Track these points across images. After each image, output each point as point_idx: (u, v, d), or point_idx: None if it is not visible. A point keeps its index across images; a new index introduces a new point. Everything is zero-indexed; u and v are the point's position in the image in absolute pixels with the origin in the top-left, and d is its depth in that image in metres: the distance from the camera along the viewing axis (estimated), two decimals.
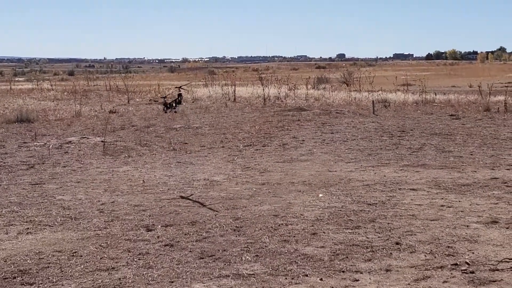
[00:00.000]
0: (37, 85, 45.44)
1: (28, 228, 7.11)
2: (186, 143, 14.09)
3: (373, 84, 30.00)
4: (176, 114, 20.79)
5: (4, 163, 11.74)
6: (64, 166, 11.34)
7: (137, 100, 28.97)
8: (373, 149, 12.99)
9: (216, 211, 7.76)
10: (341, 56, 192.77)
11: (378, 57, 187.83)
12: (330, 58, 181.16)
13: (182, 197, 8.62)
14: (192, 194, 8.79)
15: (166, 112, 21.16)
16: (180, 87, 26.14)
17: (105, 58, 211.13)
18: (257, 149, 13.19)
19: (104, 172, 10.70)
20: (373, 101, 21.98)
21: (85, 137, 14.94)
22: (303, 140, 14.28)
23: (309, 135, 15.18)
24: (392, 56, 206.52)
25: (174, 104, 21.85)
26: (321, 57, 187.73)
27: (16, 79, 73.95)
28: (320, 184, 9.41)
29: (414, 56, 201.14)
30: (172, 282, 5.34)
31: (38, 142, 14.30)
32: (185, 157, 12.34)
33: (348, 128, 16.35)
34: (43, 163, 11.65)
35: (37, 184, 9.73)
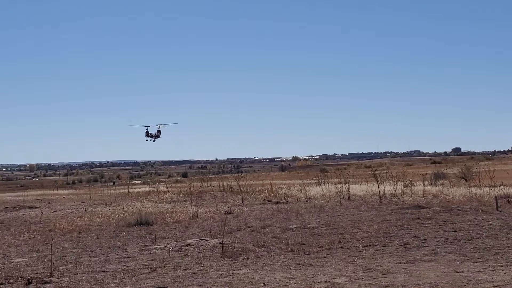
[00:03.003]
0: (154, 187, 47.04)
1: None
2: (303, 244, 13.91)
3: (493, 179, 29.04)
4: (291, 213, 20.73)
5: (127, 267, 11.95)
6: (185, 269, 11.40)
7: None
8: (500, 247, 12.39)
9: None
10: (456, 150, 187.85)
11: (496, 150, 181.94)
12: (445, 152, 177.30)
13: None
14: None
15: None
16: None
17: (216, 159, 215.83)
18: (377, 249, 12.83)
19: (224, 275, 10.65)
20: (496, 196, 21.19)
21: (203, 239, 15.06)
22: (425, 239, 13.81)
23: (431, 233, 14.67)
24: (510, 148, 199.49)
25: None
26: (435, 151, 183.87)
27: (133, 182, 77.00)
28: (448, 286, 8.96)
29: None
30: None
31: (158, 245, 14.54)
32: (304, 258, 12.15)
33: (472, 226, 15.71)
34: (164, 266, 11.77)
35: None
